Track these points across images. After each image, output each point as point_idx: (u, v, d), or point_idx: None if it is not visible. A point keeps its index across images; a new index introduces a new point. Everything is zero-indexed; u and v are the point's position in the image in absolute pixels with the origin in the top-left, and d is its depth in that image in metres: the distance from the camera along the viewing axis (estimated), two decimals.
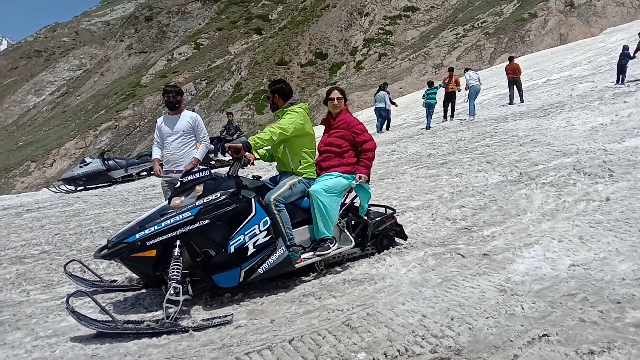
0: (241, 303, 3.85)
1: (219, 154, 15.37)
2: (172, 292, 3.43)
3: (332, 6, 67.95)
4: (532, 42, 46.53)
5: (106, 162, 16.76)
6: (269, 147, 4.58)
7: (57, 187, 16.83)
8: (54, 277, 5.09)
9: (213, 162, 15.36)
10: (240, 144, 3.87)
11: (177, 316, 3.46)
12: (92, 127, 61.29)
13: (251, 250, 3.84)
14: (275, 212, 4.01)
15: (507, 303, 3.25)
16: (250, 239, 3.84)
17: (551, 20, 48.10)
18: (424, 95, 16.88)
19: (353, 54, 61.90)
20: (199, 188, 3.87)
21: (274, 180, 4.48)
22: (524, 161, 7.55)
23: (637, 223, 4.41)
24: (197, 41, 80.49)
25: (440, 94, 16.96)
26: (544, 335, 2.78)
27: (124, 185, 15.63)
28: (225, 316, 3.52)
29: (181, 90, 5.74)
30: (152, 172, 17.15)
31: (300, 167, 4.36)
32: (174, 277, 3.50)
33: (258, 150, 4.50)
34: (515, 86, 17.21)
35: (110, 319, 3.38)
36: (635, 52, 16.89)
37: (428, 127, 15.62)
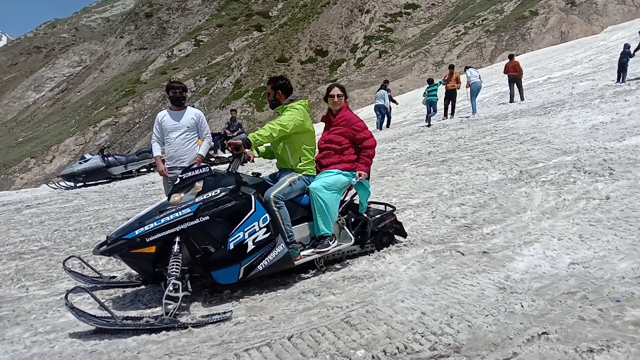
0: (240, 300, 3.85)
1: (219, 151, 15.36)
2: (171, 288, 3.42)
3: (333, 3, 67.78)
4: (532, 40, 46.46)
5: (106, 158, 16.78)
6: (269, 144, 4.57)
7: (56, 184, 16.85)
8: (53, 273, 5.09)
9: (213, 159, 15.37)
10: (240, 141, 3.86)
11: (176, 312, 3.46)
12: (91, 124, 61.24)
13: (251, 247, 3.84)
14: (274, 209, 4.00)
15: (507, 301, 3.24)
16: (249, 235, 3.83)
17: (552, 18, 48.02)
18: (424, 93, 16.87)
19: (353, 51, 61.81)
20: (199, 185, 3.86)
21: (274, 177, 4.48)
22: (524, 159, 7.55)
23: (637, 221, 4.41)
24: (197, 38, 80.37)
25: (441, 91, 16.95)
26: (544, 333, 2.78)
27: (124, 182, 15.64)
28: (225, 313, 3.52)
29: (186, 87, 5.74)
30: (152, 169, 17.31)
31: (300, 164, 4.35)
32: (173, 273, 3.50)
33: (258, 147, 4.49)
34: (515, 84, 17.18)
35: (110, 315, 3.37)
36: (636, 50, 16.84)
37: (429, 125, 15.60)
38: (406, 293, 3.57)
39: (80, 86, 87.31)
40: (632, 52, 16.48)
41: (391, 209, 5.04)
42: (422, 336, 2.89)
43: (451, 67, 17.48)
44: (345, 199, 4.58)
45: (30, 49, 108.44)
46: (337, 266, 4.41)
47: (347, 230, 4.48)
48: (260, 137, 3.98)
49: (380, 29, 63.73)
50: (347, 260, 4.52)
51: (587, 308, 3.02)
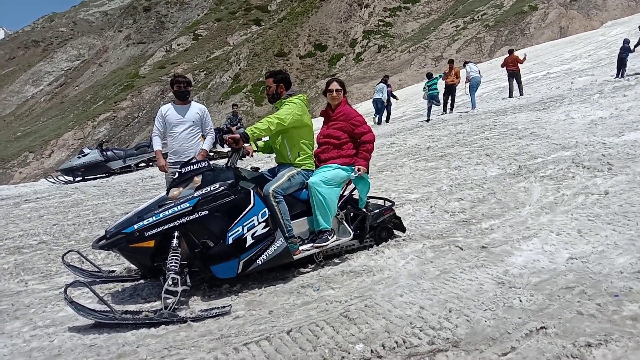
0: (239, 294, 3.86)
1: (218, 146, 15.35)
2: (170, 282, 3.43)
3: None
4: (532, 35, 46.41)
5: (104, 153, 16.75)
6: (268, 139, 4.56)
7: (55, 178, 16.82)
8: (52, 267, 5.10)
9: (212, 154, 15.35)
10: (239, 135, 3.86)
11: (176, 307, 3.46)
12: (90, 118, 61.12)
13: (249, 241, 3.84)
14: (273, 203, 4.00)
15: (505, 295, 3.25)
16: (248, 230, 3.83)
17: (551, 13, 47.95)
18: (424, 88, 16.80)
19: (352, 46, 61.72)
20: (198, 179, 3.86)
21: (273, 172, 4.47)
22: (523, 154, 7.55)
23: (635, 217, 4.41)
24: (196, 32, 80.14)
25: (440, 86, 16.91)
26: (542, 327, 2.79)
27: (122, 176, 15.61)
28: (224, 307, 3.52)
29: (190, 81, 5.71)
30: (151, 164, 17.29)
31: (298, 159, 4.34)
32: (172, 267, 3.50)
33: (257, 142, 4.48)
34: (514, 79, 17.16)
35: (109, 309, 3.37)
36: (636, 45, 16.84)
37: (428, 120, 15.60)
38: (405, 287, 3.58)
39: (79, 80, 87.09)
40: (632, 48, 16.46)
41: (390, 203, 5.03)
42: (421, 330, 2.89)
43: (451, 61, 17.45)
44: (344, 194, 4.58)
45: (28, 43, 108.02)
46: (336, 261, 4.41)
47: (346, 224, 4.48)
48: (258, 131, 3.96)
49: (380, 23, 63.61)
50: (346, 255, 4.52)
51: (586, 303, 3.02)
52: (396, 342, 2.78)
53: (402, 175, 7.81)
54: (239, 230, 3.79)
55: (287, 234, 4.05)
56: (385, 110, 18.68)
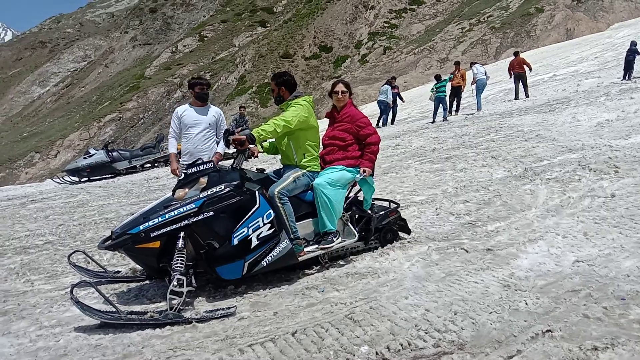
0: (244, 295, 3.86)
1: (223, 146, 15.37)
2: (175, 283, 3.43)
3: None
4: (538, 37, 46.24)
5: (110, 153, 16.83)
6: (273, 140, 4.57)
7: (61, 178, 16.91)
8: (58, 267, 5.12)
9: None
10: (244, 137, 3.86)
11: (181, 307, 3.47)
12: (96, 119, 61.39)
13: (255, 242, 3.84)
14: (279, 205, 4.00)
15: (511, 298, 3.24)
16: (253, 231, 3.83)
17: (558, 15, 47.75)
18: (432, 89, 16.63)
19: (358, 48, 61.67)
20: (203, 180, 3.86)
21: (278, 173, 4.47)
22: (529, 156, 7.53)
23: None
24: (202, 33, 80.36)
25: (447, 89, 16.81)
26: (548, 330, 2.77)
27: (128, 177, 15.68)
28: (229, 308, 3.53)
29: (210, 83, 5.70)
30: (156, 164, 17.34)
31: (304, 160, 4.34)
32: (178, 268, 3.51)
33: (262, 143, 4.49)
34: (520, 81, 17.10)
35: (114, 310, 3.38)
36: None
37: (433, 121, 15.56)
38: (410, 290, 3.57)
39: (85, 81, 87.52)
40: (639, 50, 16.36)
41: (395, 205, 5.03)
42: (426, 333, 2.89)
43: (457, 63, 17.40)
44: (350, 196, 4.58)
45: (35, 44, 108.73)
46: (341, 262, 4.41)
47: (351, 226, 4.47)
48: (265, 133, 3.97)
49: (385, 25, 63.55)
50: (351, 257, 4.52)
51: (592, 306, 3.01)
52: (401, 345, 2.77)
53: (407, 177, 7.80)
54: (244, 231, 3.80)
55: (292, 236, 4.05)
56: (391, 111, 18.65)
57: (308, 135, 4.36)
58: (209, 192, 3.75)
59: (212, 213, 3.68)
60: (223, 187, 3.80)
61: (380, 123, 18.26)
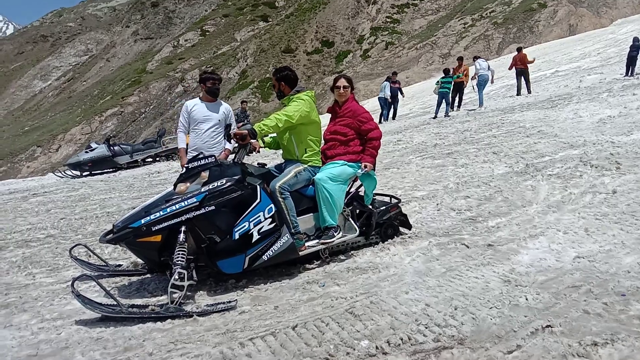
0: (245, 289, 3.87)
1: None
2: (176, 277, 3.44)
3: None
4: (540, 33, 46.09)
5: (112, 147, 16.85)
6: (275, 135, 4.57)
7: (62, 172, 16.95)
8: (59, 260, 5.13)
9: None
10: (246, 131, 3.86)
11: (182, 301, 3.48)
12: (97, 113, 61.31)
13: (256, 237, 3.85)
14: (280, 199, 4.01)
15: (511, 294, 3.24)
16: (255, 225, 3.84)
17: (560, 11, 47.57)
18: (438, 82, 16.32)
19: (360, 43, 61.50)
20: (205, 174, 3.86)
21: (279, 168, 4.48)
22: (531, 152, 7.51)
23: None
24: (203, 28, 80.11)
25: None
26: (548, 326, 2.78)
27: (129, 171, 15.70)
28: (229, 302, 3.54)
29: (221, 78, 5.61)
30: (158, 159, 17.35)
31: (305, 155, 4.35)
32: (179, 262, 3.52)
33: (264, 138, 4.49)
34: (522, 77, 17.03)
35: (115, 303, 3.39)
36: None
37: (435, 117, 15.52)
38: (410, 285, 3.58)
39: (87, 75, 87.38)
40: None
41: (396, 200, 5.04)
42: (426, 327, 2.89)
43: (460, 59, 17.31)
44: (351, 191, 4.58)
45: (36, 38, 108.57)
46: (342, 257, 4.42)
47: (352, 221, 4.48)
48: (266, 127, 3.97)
49: (387, 20, 63.36)
50: (352, 252, 4.53)
51: (592, 302, 3.02)
52: (401, 339, 2.78)
53: (408, 172, 7.79)
54: (245, 225, 3.80)
55: (293, 230, 4.06)
56: (392, 107, 18.61)
57: (310, 130, 4.36)
58: (211, 187, 3.76)
59: (213, 207, 3.69)
60: (224, 181, 3.80)
61: (382, 119, 18.22)
